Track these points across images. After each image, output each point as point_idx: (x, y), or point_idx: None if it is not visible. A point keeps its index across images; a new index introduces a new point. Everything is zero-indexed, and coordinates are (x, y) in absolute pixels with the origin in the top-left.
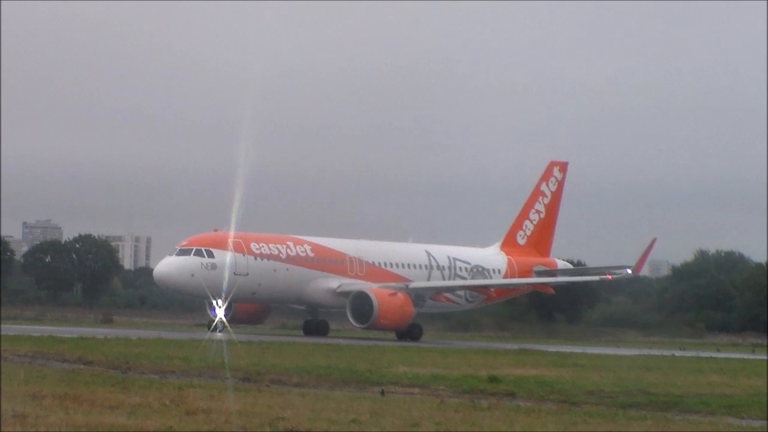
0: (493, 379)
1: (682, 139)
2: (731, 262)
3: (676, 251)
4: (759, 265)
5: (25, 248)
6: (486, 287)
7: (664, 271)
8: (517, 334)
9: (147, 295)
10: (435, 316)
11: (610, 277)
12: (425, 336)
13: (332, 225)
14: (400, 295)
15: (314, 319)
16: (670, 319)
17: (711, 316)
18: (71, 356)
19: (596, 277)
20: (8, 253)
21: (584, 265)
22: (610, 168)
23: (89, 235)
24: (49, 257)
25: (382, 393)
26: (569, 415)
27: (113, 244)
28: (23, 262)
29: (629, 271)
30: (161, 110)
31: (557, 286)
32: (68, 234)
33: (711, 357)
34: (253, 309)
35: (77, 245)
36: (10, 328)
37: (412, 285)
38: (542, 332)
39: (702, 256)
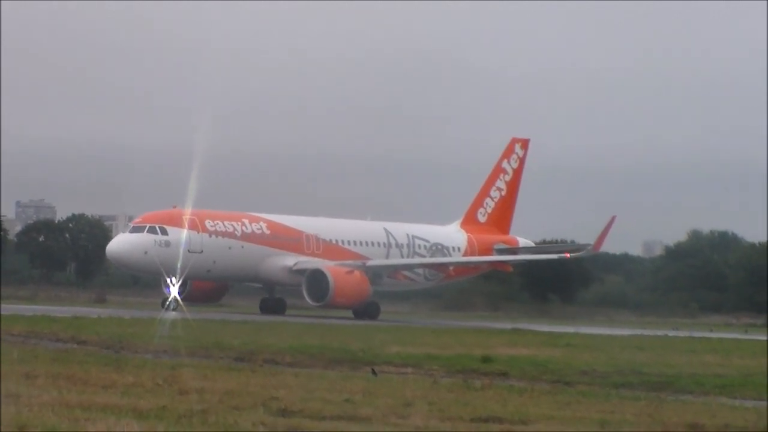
0: (486, 359)
1: (668, 119)
2: (725, 242)
3: (669, 232)
4: (752, 245)
5: (18, 227)
6: (443, 265)
7: (658, 251)
8: (509, 314)
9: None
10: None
11: (568, 255)
12: (383, 315)
13: (292, 203)
14: (356, 273)
15: (271, 297)
16: (663, 299)
17: (704, 296)
18: (64, 336)
19: (555, 256)
20: (1, 233)
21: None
22: (583, 147)
23: (83, 215)
24: (42, 237)
25: (374, 372)
26: (562, 395)
27: (107, 223)
28: (17, 242)
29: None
30: (153, 90)
31: (550, 267)
32: (62, 213)
33: (704, 337)
34: (209, 287)
35: (70, 225)
36: (4, 308)
37: (370, 263)
38: (535, 312)
39: (696, 236)
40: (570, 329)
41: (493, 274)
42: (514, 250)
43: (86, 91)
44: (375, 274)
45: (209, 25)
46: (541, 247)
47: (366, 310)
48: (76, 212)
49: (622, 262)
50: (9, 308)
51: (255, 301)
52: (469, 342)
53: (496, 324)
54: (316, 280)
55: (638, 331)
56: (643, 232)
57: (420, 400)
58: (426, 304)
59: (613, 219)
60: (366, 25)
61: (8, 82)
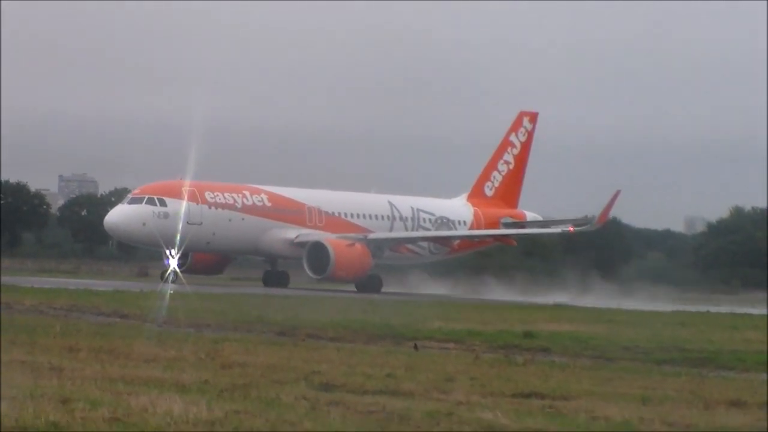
0: (528, 335)
1: (684, 97)
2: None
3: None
4: None
5: (61, 201)
6: (446, 238)
7: (700, 228)
8: (550, 289)
9: None
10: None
11: (572, 228)
12: (390, 287)
13: (296, 177)
14: (358, 246)
15: (274, 270)
16: (705, 275)
17: (746, 273)
18: (107, 309)
19: (558, 229)
20: (44, 207)
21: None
22: (603, 123)
23: (125, 189)
24: (84, 210)
25: (415, 347)
26: (604, 371)
27: None
28: (59, 216)
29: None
30: (195, 67)
31: (593, 243)
32: (104, 188)
33: (746, 313)
34: (210, 259)
35: (113, 199)
36: (46, 281)
37: (371, 236)
38: (576, 288)
39: (738, 213)
40: (612, 305)
41: (533, 249)
42: (522, 224)
43: (133, 70)
44: (376, 247)
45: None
46: (542, 221)
47: (368, 283)
48: (119, 186)
49: (665, 239)
50: (52, 282)
51: (258, 274)
52: (510, 318)
53: (537, 299)
54: (317, 252)
55: (680, 307)
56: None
57: (462, 375)
58: (468, 280)
59: (617, 193)
60: (375, 1)
61: (50, 59)
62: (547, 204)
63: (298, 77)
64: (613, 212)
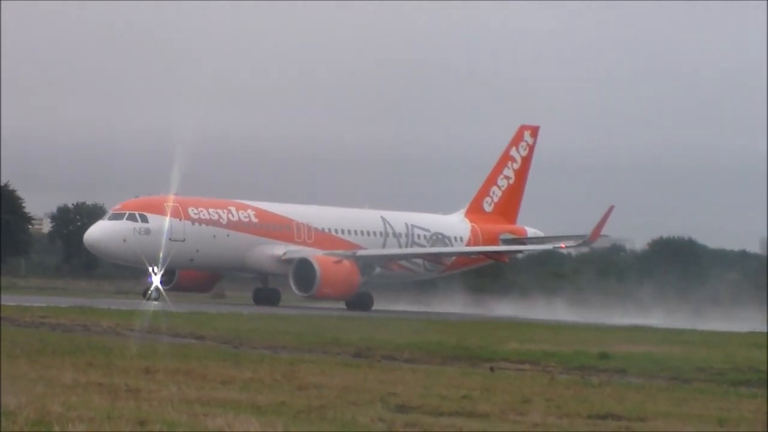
0: (603, 356)
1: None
2: None
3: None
4: None
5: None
6: (438, 255)
7: None
8: (626, 310)
9: None
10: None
11: (564, 246)
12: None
13: (290, 192)
14: (345, 262)
15: (265, 288)
16: None
17: None
18: (183, 331)
19: (550, 246)
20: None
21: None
22: (610, 142)
23: (95, 205)
24: (78, 222)
25: (492, 369)
26: (679, 392)
27: None
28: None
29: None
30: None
31: (669, 264)
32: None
33: None
34: (198, 276)
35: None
36: (123, 303)
37: (360, 253)
38: (651, 309)
39: None
40: (687, 325)
41: (608, 270)
42: (522, 241)
43: (119, 81)
44: (365, 264)
45: (201, 17)
46: (534, 238)
47: (358, 301)
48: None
49: (741, 259)
50: (128, 303)
51: (249, 291)
52: (586, 338)
53: (612, 320)
54: (303, 269)
55: (755, 328)
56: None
57: (538, 396)
58: (540, 299)
59: (610, 209)
60: (366, 14)
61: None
62: (553, 219)
63: (293, 92)
64: (688, 232)
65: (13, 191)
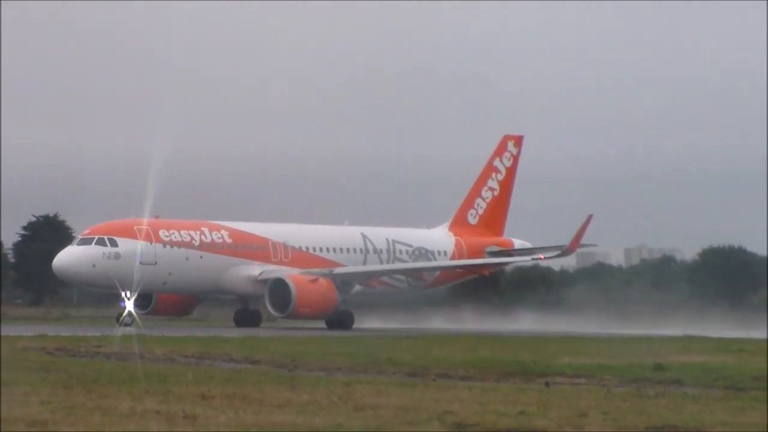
0: (658, 367)
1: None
2: None
3: None
4: None
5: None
6: (418, 270)
7: None
8: (678, 322)
9: None
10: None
11: (543, 257)
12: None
13: (267, 211)
14: (322, 281)
15: (245, 309)
16: None
17: None
18: (237, 356)
19: (528, 258)
20: None
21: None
22: (594, 151)
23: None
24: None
25: (547, 384)
26: (736, 401)
27: None
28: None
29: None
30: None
31: (719, 273)
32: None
33: None
34: (176, 299)
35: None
36: (176, 329)
37: (337, 270)
38: (703, 318)
39: None
40: (742, 334)
41: (660, 281)
42: (509, 253)
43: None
44: (343, 281)
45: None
46: (529, 249)
47: (338, 319)
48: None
49: None
50: (180, 329)
51: (230, 313)
52: (640, 351)
53: (666, 331)
54: (278, 289)
55: None
56: None
57: (594, 410)
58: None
59: (589, 218)
60: (344, 22)
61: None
62: (547, 230)
63: (271, 108)
64: (737, 240)
65: (63, 221)
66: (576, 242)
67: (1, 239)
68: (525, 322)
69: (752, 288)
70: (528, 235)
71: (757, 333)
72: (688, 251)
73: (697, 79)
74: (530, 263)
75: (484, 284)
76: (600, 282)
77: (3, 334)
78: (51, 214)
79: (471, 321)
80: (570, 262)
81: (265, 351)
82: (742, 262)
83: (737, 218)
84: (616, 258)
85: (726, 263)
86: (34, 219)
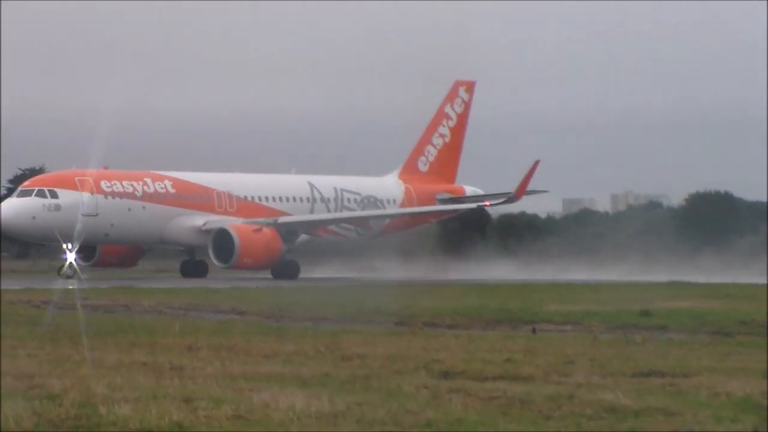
0: (645, 313)
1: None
2: None
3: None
4: None
5: None
6: (364, 219)
7: None
8: (666, 266)
9: None
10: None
11: (488, 203)
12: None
13: (215, 162)
14: (266, 230)
15: (191, 260)
16: None
17: None
18: (225, 307)
19: (474, 205)
20: None
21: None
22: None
23: None
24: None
25: (534, 331)
26: (723, 346)
27: None
28: None
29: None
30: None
31: (705, 217)
32: None
33: None
34: (121, 251)
35: None
36: (165, 282)
37: (282, 219)
38: (689, 264)
39: None
40: (727, 279)
41: (646, 227)
42: (461, 200)
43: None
44: (288, 231)
45: None
46: (480, 196)
47: (283, 269)
48: None
49: None
50: (172, 281)
51: (176, 263)
52: (626, 297)
53: (652, 277)
54: (221, 240)
55: None
56: None
57: (581, 357)
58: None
59: (536, 163)
60: None
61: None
62: (496, 178)
63: (220, 60)
64: (725, 186)
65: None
66: (522, 189)
67: None
68: (510, 269)
69: (739, 233)
70: (485, 183)
71: (744, 278)
72: (675, 197)
73: (684, 23)
74: (496, 207)
75: (468, 232)
76: (587, 229)
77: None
78: (37, 167)
79: (454, 270)
80: (556, 209)
81: (252, 302)
82: (729, 207)
83: (724, 164)
84: (602, 204)
85: (713, 209)
86: (20, 172)
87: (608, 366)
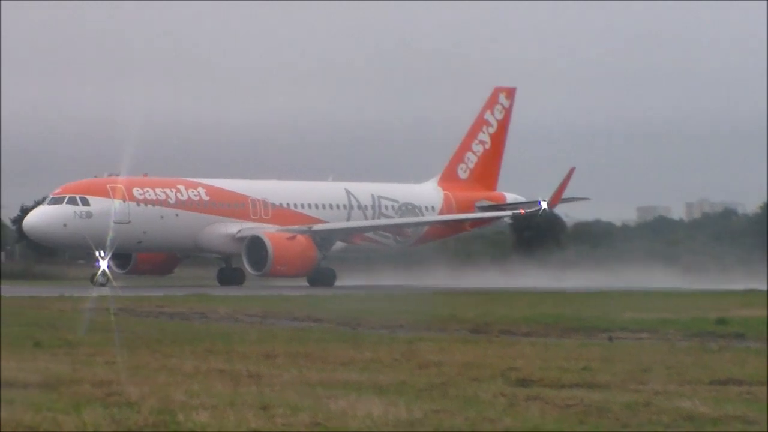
0: (721, 321)
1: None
2: None
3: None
4: None
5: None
6: (400, 226)
7: None
8: (740, 276)
9: None
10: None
11: (523, 211)
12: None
13: (255, 171)
14: (300, 238)
15: (228, 267)
16: None
17: None
18: (300, 314)
19: (509, 213)
20: None
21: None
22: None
23: None
24: None
25: (610, 339)
26: None
27: None
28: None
29: (544, 205)
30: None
31: None
32: None
33: None
34: (156, 258)
35: None
36: (240, 289)
37: (316, 227)
38: (765, 272)
39: None
40: None
41: (722, 235)
42: (501, 207)
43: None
44: (323, 238)
45: None
46: (493, 205)
47: (319, 277)
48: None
49: None
50: (244, 290)
51: (213, 272)
52: (702, 305)
53: (728, 285)
54: (255, 247)
55: None
56: None
57: (658, 365)
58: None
59: (571, 171)
60: None
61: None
62: (541, 185)
63: (251, 70)
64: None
65: None
66: (557, 197)
67: None
68: (584, 277)
69: None
70: (531, 191)
71: None
72: (750, 205)
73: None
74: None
75: (544, 240)
76: (662, 236)
77: (67, 294)
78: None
79: (531, 278)
80: (631, 217)
81: (327, 310)
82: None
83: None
84: (677, 212)
85: None
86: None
87: (685, 374)
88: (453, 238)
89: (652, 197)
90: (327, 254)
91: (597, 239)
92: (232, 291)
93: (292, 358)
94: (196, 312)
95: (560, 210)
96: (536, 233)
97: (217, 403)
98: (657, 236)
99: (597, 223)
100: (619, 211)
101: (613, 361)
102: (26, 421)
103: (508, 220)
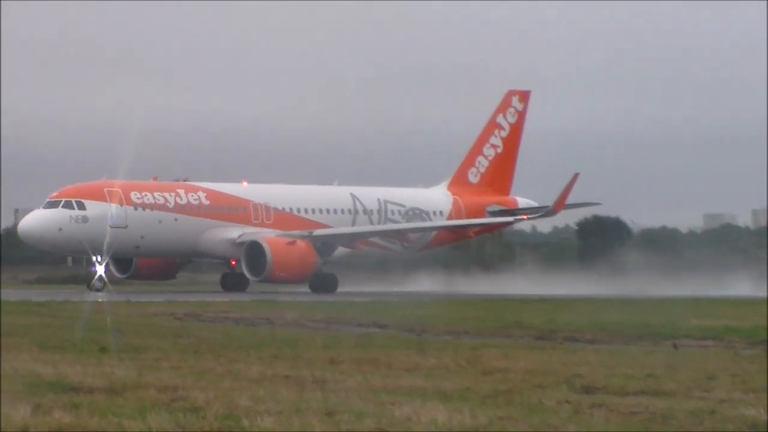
0: None
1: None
2: None
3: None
4: None
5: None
6: (402, 232)
7: None
8: None
9: None
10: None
11: (526, 217)
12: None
13: (260, 175)
14: (300, 243)
15: (232, 273)
16: None
17: None
18: (365, 320)
19: (511, 218)
20: None
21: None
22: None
23: None
24: None
25: (675, 347)
26: None
27: None
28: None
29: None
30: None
31: None
32: None
33: None
34: (158, 263)
35: None
36: (305, 295)
37: (317, 232)
38: None
39: None
40: None
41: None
42: (513, 212)
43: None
44: (323, 243)
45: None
46: (533, 208)
47: (321, 283)
48: None
49: None
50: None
51: (217, 276)
52: (765, 312)
53: None
54: (254, 252)
55: None
56: None
57: (722, 372)
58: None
59: (575, 176)
60: None
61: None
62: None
63: (261, 73)
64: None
65: None
66: (560, 202)
67: None
68: (650, 283)
69: None
70: (544, 195)
71: None
72: None
73: None
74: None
75: (610, 246)
76: (728, 243)
77: (133, 300)
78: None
79: (594, 284)
80: (697, 224)
81: (392, 315)
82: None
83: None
84: (743, 219)
85: None
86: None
87: (750, 382)
88: (459, 243)
89: (718, 205)
90: (329, 260)
91: (663, 246)
92: (236, 296)
93: (356, 364)
94: (261, 317)
95: (626, 216)
96: (602, 239)
97: (282, 409)
98: (723, 243)
99: (663, 230)
100: (687, 218)
101: (677, 368)
102: (92, 426)
103: (574, 227)
